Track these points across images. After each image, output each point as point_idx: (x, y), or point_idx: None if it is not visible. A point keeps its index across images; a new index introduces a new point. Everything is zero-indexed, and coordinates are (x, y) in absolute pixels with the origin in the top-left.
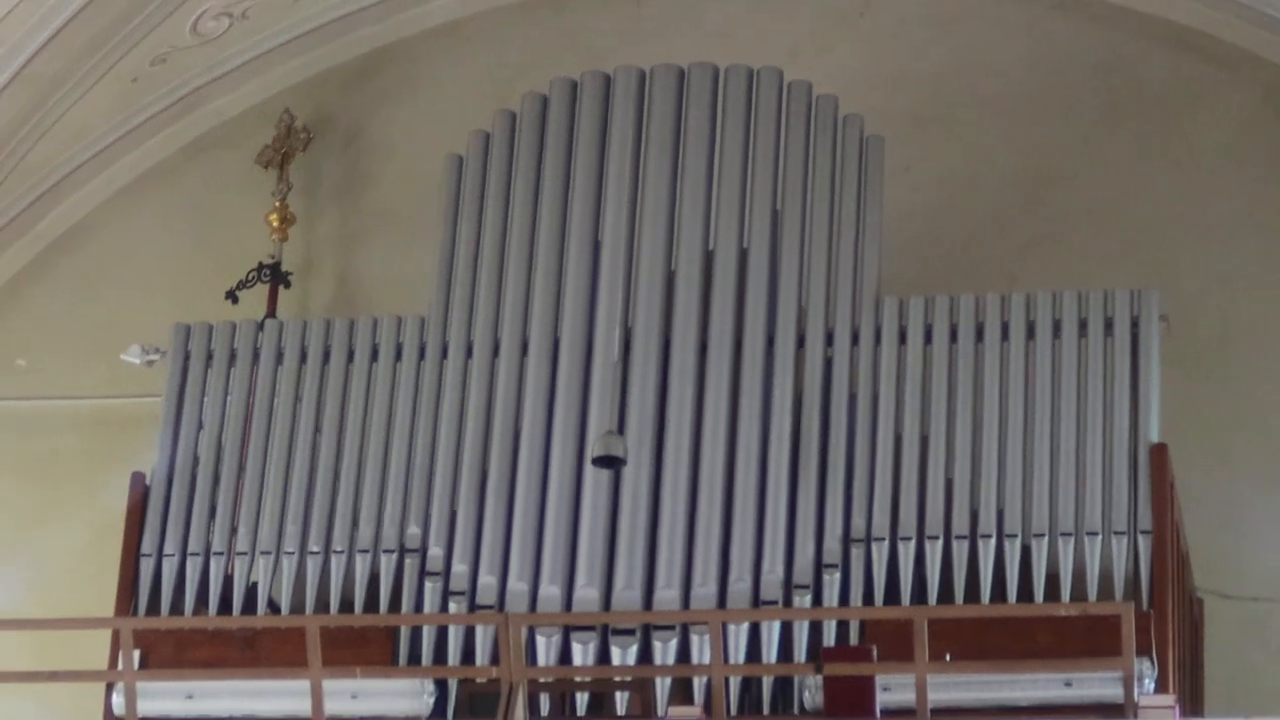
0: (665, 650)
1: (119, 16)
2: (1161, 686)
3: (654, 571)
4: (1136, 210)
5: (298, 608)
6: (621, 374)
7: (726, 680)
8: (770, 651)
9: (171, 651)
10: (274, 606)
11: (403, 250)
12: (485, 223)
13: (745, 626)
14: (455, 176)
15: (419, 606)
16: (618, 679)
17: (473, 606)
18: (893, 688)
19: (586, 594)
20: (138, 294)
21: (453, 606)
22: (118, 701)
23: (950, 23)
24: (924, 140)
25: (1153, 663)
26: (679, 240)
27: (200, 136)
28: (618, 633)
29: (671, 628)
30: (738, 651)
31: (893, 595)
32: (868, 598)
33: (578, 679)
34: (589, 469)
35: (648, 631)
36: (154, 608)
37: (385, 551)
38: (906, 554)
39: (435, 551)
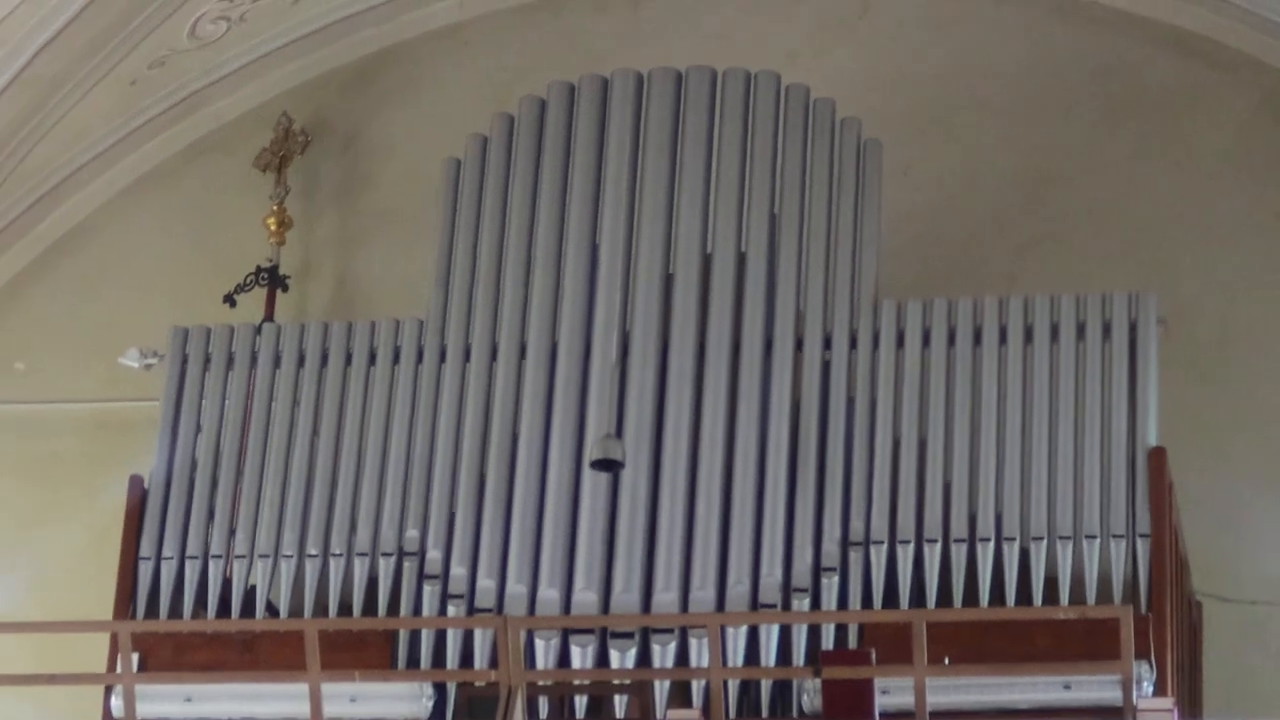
0: (664, 653)
1: (118, 19)
2: (1160, 689)
3: (652, 574)
4: (1135, 212)
5: (296, 611)
6: (620, 377)
7: (725, 683)
8: (769, 655)
9: (170, 654)
10: (272, 609)
11: (401, 253)
12: (483, 226)
13: (744, 629)
14: (453, 180)
15: (417, 609)
16: (616, 682)
17: (471, 609)
18: (891, 691)
19: (585, 597)
20: (136, 296)
21: (451, 610)
22: (116, 704)
23: (949, 25)
24: (923, 142)
25: (1151, 666)
26: (677, 243)
27: (199, 140)
28: (616, 636)
29: (670, 631)
30: (736, 655)
31: (891, 598)
32: (866, 601)
33: (576, 682)
34: (587, 472)
35: (646, 635)
36: (153, 611)
37: (384, 554)
38: (905, 557)
39: (434, 554)
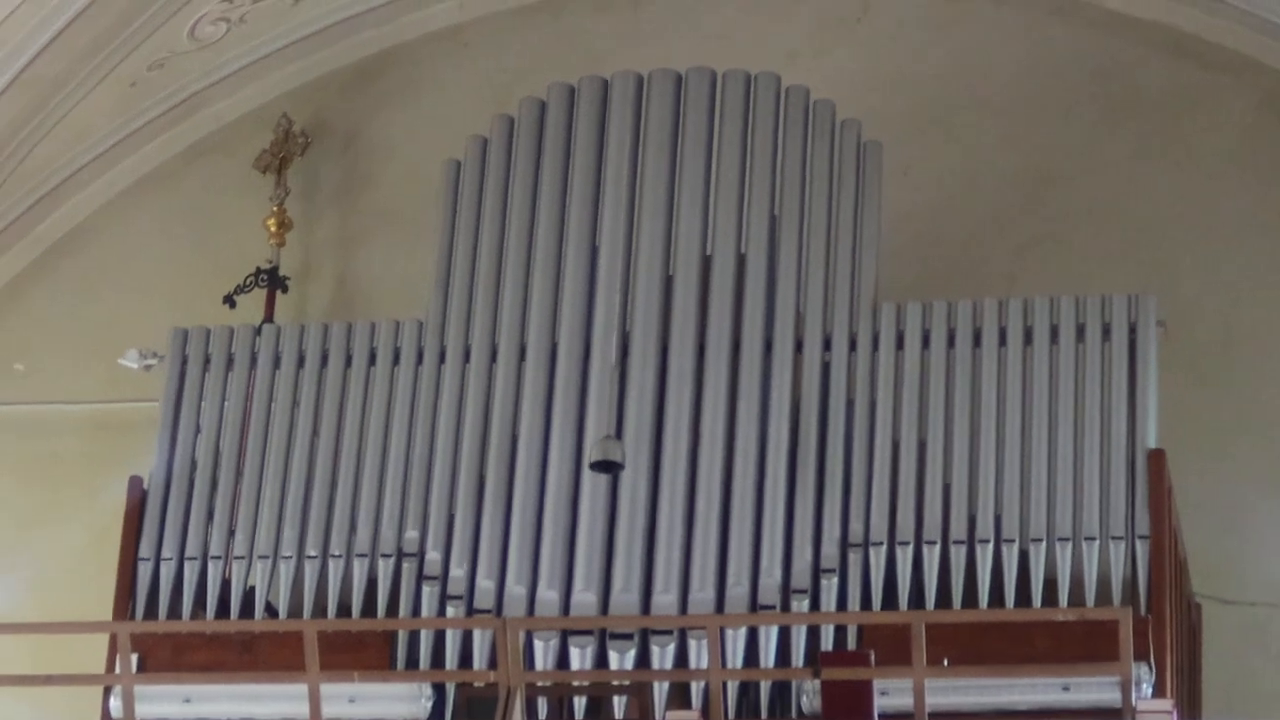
0: (663, 654)
1: (118, 20)
2: (1159, 691)
3: (652, 576)
4: (1136, 213)
5: (295, 611)
6: (619, 379)
7: (724, 684)
8: (768, 656)
9: (169, 655)
10: (271, 610)
11: (400, 254)
12: (483, 227)
13: (743, 631)
14: (453, 181)
15: (417, 610)
16: (615, 683)
17: (470, 610)
18: (890, 692)
19: (584, 598)
20: (136, 297)
21: (450, 610)
22: (115, 705)
23: (948, 26)
24: (922, 143)
25: (1151, 667)
26: (677, 245)
27: (199, 141)
28: (616, 637)
29: (669, 632)
30: (735, 656)
31: (890, 600)
32: (865, 602)
33: (575, 683)
34: (587, 473)
35: (646, 636)
36: (152, 611)
37: (383, 555)
38: (904, 559)
39: (433, 555)
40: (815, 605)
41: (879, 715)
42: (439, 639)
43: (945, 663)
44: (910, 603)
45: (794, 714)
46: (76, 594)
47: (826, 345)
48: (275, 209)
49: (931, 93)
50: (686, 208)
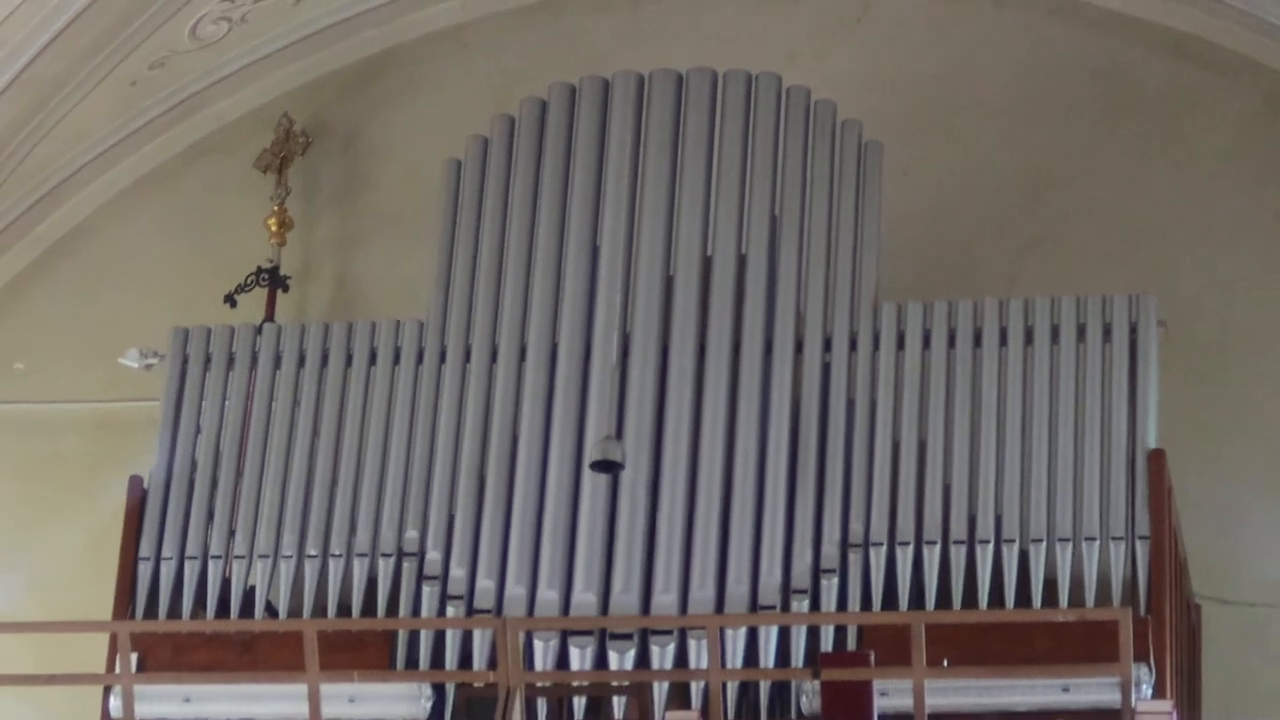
0: (663, 655)
1: (119, 20)
2: (1159, 692)
3: (652, 576)
4: (1135, 213)
5: (295, 611)
6: (620, 379)
7: (724, 685)
8: (768, 656)
9: (169, 655)
10: (271, 610)
11: (401, 254)
12: (484, 227)
13: (743, 631)
14: (454, 181)
15: (417, 610)
16: (615, 683)
17: (470, 610)
18: (890, 693)
19: (584, 598)
20: (137, 297)
21: (450, 610)
22: (115, 704)
23: (948, 27)
24: (922, 143)
25: (1150, 668)
26: (677, 245)
27: (199, 141)
28: (615, 637)
29: (669, 632)
30: (735, 656)
31: (890, 600)
32: (865, 603)
33: (575, 683)
34: (587, 474)
35: (645, 636)
36: (152, 611)
37: (383, 555)
38: (904, 559)
39: (433, 555)
40: (815, 605)
41: (879, 716)
42: (439, 639)
43: (945, 663)
44: (910, 603)
45: (794, 714)
46: (76, 593)
47: (827, 345)
48: (276, 209)
49: (932, 93)
50: (687, 208)
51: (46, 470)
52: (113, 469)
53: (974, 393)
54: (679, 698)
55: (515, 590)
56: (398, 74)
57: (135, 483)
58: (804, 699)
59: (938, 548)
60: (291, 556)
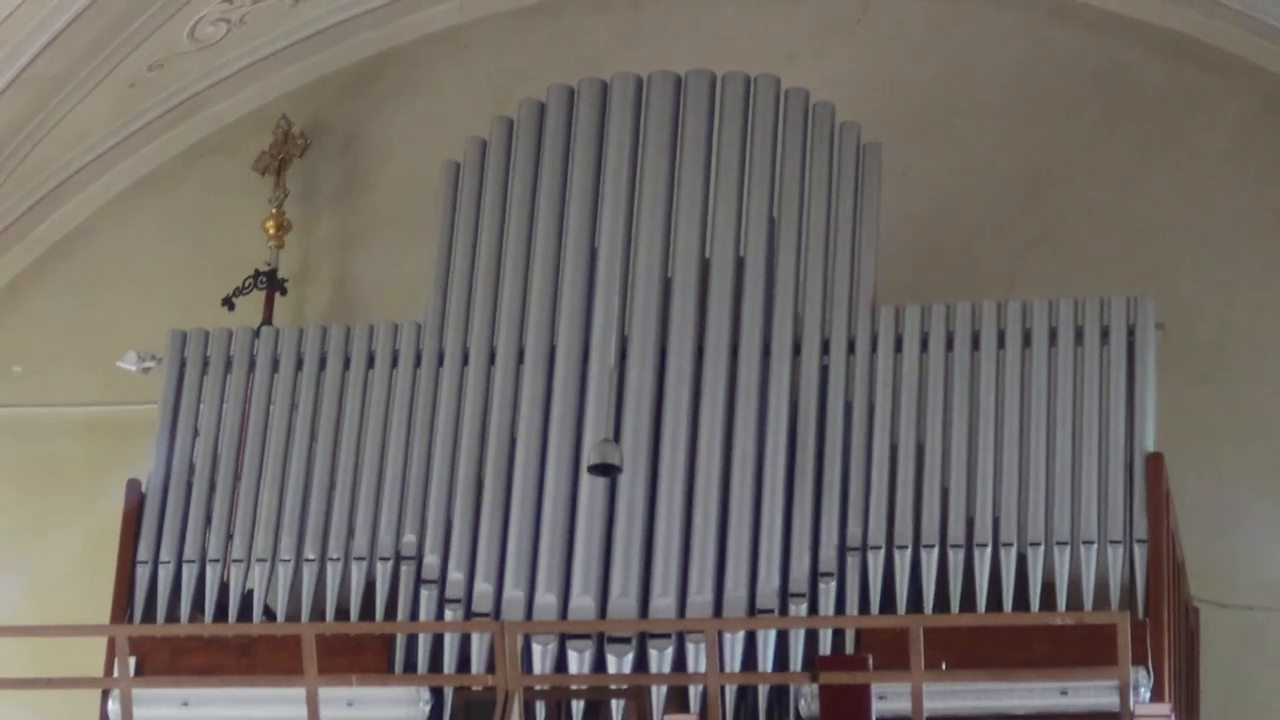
0: (661, 658)
1: (118, 21)
2: (1157, 695)
3: (650, 580)
4: (1134, 215)
5: (293, 615)
6: (618, 382)
7: (722, 688)
8: (766, 660)
9: (167, 658)
10: (270, 614)
11: (399, 256)
12: (482, 229)
13: (741, 635)
14: (452, 183)
15: (415, 614)
16: (614, 687)
17: (468, 614)
18: (888, 696)
19: (582, 602)
20: (135, 299)
21: (448, 614)
22: (113, 708)
23: (948, 28)
24: (922, 145)
25: (1149, 671)
26: (676, 247)
27: (198, 142)
28: (613, 641)
29: (667, 636)
30: (733, 660)
31: (889, 604)
32: (864, 606)
33: (573, 687)
34: (585, 477)
35: (644, 640)
36: (150, 615)
37: (381, 559)
38: (902, 563)
39: (431, 559)
40: (813, 609)
41: (877, 719)
42: (437, 642)
43: (943, 667)
44: (908, 607)
45: (792, 718)
46: (74, 597)
47: (825, 348)
48: (274, 211)
49: (931, 95)
50: (685, 210)
51: (44, 473)
52: (110, 472)
53: (972, 396)
54: (677, 701)
55: (513, 594)
56: (396, 75)
57: (133, 486)
58: (802, 702)
59: (936, 551)
60: (289, 560)
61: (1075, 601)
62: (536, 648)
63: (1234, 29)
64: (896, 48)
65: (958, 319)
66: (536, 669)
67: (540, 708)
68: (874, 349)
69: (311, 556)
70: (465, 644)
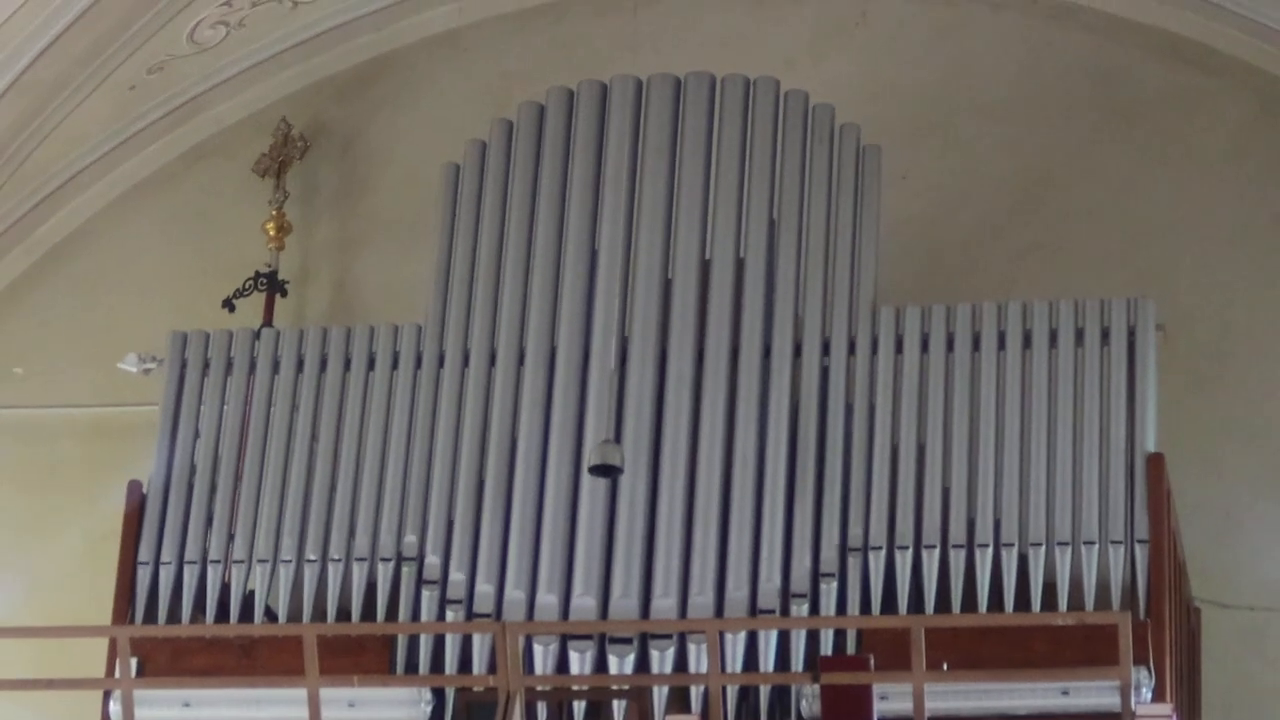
0: (663, 659)
1: (117, 24)
2: (1159, 695)
3: (651, 580)
4: (1133, 217)
5: (295, 616)
6: (618, 383)
7: (724, 689)
8: (768, 660)
9: (168, 659)
10: (271, 615)
11: (399, 258)
12: (482, 231)
13: (743, 635)
14: (452, 185)
15: (416, 615)
16: (615, 687)
17: (470, 615)
18: (890, 696)
19: (584, 603)
20: (135, 301)
21: (450, 615)
22: (115, 709)
23: (947, 31)
24: (921, 148)
25: (1150, 672)
26: (676, 249)
27: (198, 145)
28: (615, 641)
29: (669, 636)
30: (735, 660)
31: (890, 604)
32: (865, 607)
33: (575, 687)
34: (586, 478)
35: (645, 640)
36: (151, 616)
37: (382, 560)
38: (903, 563)
39: (432, 560)
40: (814, 610)
41: (878, 719)
42: (438, 643)
43: (945, 667)
44: (909, 607)
45: (793, 718)
46: (76, 598)
47: (825, 349)
48: (274, 213)
49: (930, 98)
50: (685, 212)
51: (45, 474)
52: (111, 473)
53: (972, 397)
54: (679, 701)
55: (514, 594)
56: (396, 78)
57: (134, 487)
58: (804, 703)
59: (937, 552)
60: (291, 561)
61: (1076, 602)
62: (538, 648)
63: (1233, 31)
64: (896, 50)
65: (958, 320)
66: (538, 669)
67: (542, 708)
68: (874, 350)
69: (313, 557)
70: (467, 645)
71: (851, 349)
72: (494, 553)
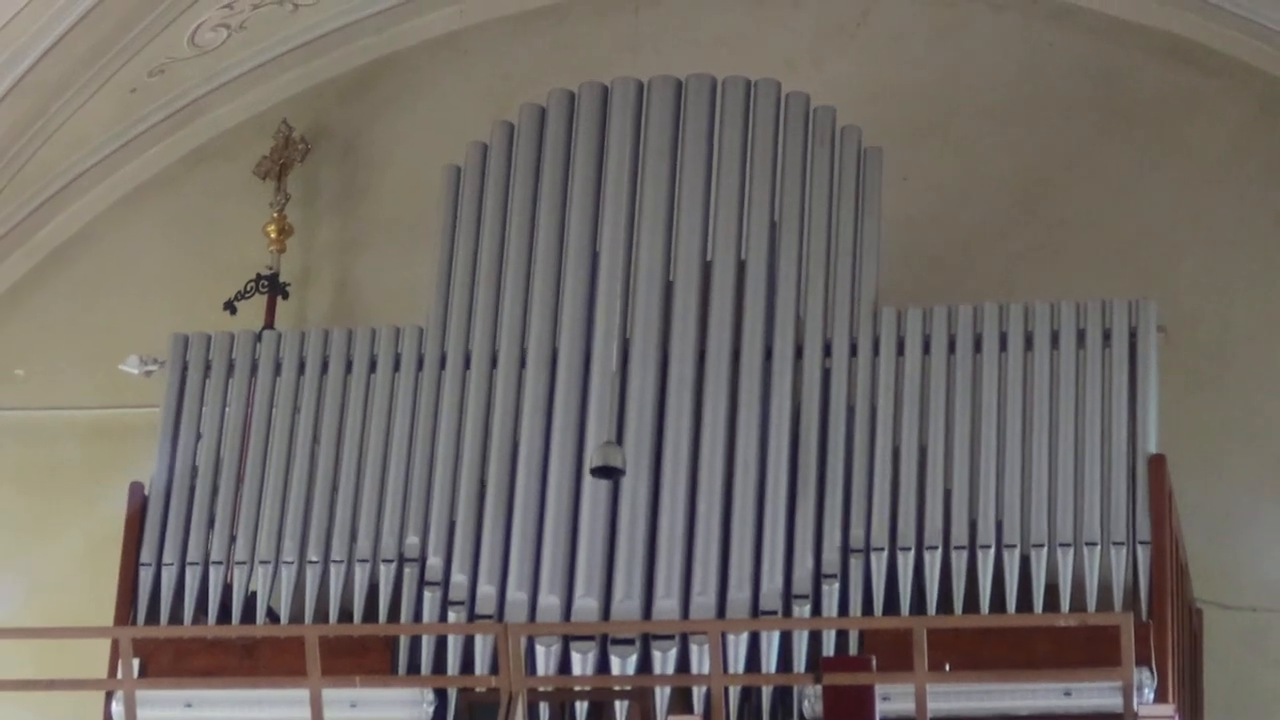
0: (664, 660)
1: (118, 26)
2: (1161, 696)
3: (653, 581)
4: (1133, 219)
5: (297, 617)
6: (620, 385)
7: (726, 690)
8: (770, 661)
9: (170, 660)
10: (273, 616)
11: (400, 261)
12: (483, 233)
13: (745, 636)
14: (453, 187)
15: (418, 616)
16: (617, 688)
17: (472, 616)
18: (892, 697)
19: (586, 604)
20: (137, 303)
21: (452, 616)
22: (117, 710)
23: (947, 32)
24: (921, 150)
25: (1152, 673)
26: (677, 251)
27: (199, 147)
28: (617, 642)
29: (671, 637)
30: (737, 661)
31: (892, 605)
32: (867, 608)
33: (577, 688)
34: (588, 479)
35: (647, 641)
36: (153, 617)
37: (384, 561)
38: (905, 564)
39: (434, 561)
40: (817, 610)
41: None
42: (440, 644)
43: (947, 668)
44: (912, 608)
45: (796, 719)
46: (78, 600)
47: (827, 351)
48: (275, 215)
49: (931, 99)
50: (687, 214)
51: (47, 477)
52: (113, 475)
53: (974, 398)
54: (681, 703)
55: (516, 595)
56: (397, 80)
57: (136, 489)
58: (806, 704)
59: (939, 553)
60: (293, 562)
61: (1078, 603)
62: (540, 649)
63: (1232, 32)
64: (896, 52)
65: (959, 322)
66: (540, 670)
67: (544, 709)
68: (876, 352)
69: (315, 559)
70: (469, 645)
71: (853, 350)
72: (496, 554)
